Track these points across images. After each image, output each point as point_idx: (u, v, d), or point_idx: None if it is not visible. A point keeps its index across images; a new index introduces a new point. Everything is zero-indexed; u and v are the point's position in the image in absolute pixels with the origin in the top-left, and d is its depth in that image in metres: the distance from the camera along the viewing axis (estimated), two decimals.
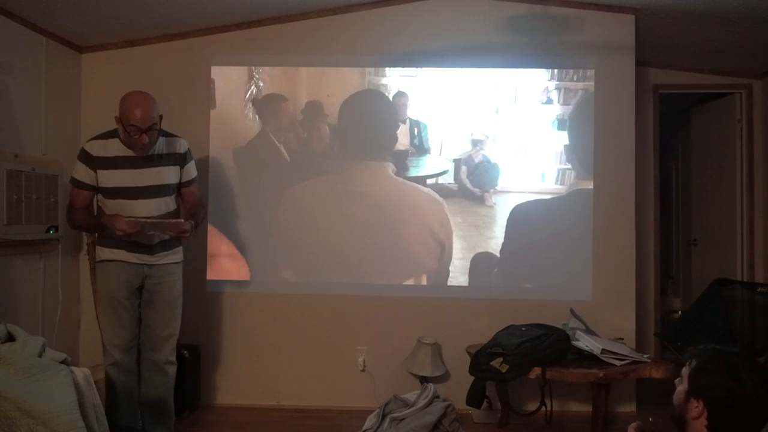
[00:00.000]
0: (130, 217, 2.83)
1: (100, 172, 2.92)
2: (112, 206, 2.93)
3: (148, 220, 2.87)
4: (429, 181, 3.99)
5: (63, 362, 2.50)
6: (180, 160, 3.08)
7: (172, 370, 3.10)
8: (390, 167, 3.98)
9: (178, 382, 3.18)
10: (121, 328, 2.98)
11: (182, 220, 2.94)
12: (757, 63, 4.54)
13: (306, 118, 4.04)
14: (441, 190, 3.98)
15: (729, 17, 3.69)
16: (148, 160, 2.96)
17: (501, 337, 3.43)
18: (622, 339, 3.70)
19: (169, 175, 3.03)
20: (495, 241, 3.97)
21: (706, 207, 5.37)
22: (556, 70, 3.96)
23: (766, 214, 4.63)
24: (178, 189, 3.11)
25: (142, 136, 2.83)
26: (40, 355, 2.50)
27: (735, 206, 4.84)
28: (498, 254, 3.96)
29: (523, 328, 3.46)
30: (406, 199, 3.98)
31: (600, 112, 3.95)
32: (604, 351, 3.32)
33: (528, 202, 3.96)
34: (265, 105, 4.06)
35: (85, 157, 2.93)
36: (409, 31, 4.00)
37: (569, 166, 3.95)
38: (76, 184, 2.95)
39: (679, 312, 6.03)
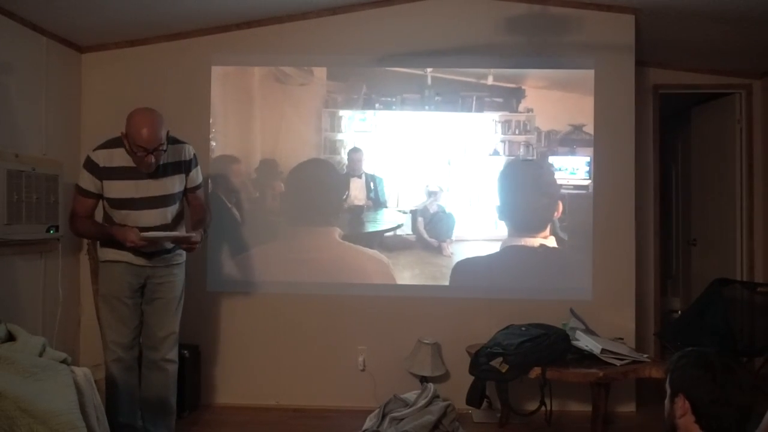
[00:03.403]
0: (140, 229, 2.84)
1: (105, 182, 2.91)
2: (116, 217, 2.95)
3: (159, 235, 2.88)
4: (387, 234, 4.02)
5: (63, 362, 2.50)
6: (186, 167, 3.07)
7: (172, 368, 3.10)
8: (337, 231, 4.01)
9: (179, 382, 3.18)
10: (122, 326, 2.99)
11: (193, 234, 2.96)
12: (757, 63, 4.54)
13: (260, 177, 4.05)
14: (399, 242, 4.01)
15: (729, 17, 3.69)
16: (152, 171, 2.95)
17: (501, 337, 3.43)
18: (622, 339, 3.70)
19: (174, 184, 3.02)
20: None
21: (706, 207, 5.37)
22: (500, 124, 4.02)
23: (766, 214, 4.63)
24: (184, 194, 3.12)
25: (149, 156, 2.81)
26: (40, 355, 2.50)
27: (735, 206, 4.84)
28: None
29: (523, 328, 3.46)
30: (352, 263, 4.01)
31: (600, 112, 3.95)
32: (603, 351, 3.32)
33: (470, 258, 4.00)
34: (216, 166, 4.05)
35: (91, 166, 2.91)
36: (409, 31, 4.00)
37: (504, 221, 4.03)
38: (81, 192, 2.94)
39: (679, 312, 6.03)
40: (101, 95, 4.00)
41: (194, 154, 3.12)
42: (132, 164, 2.90)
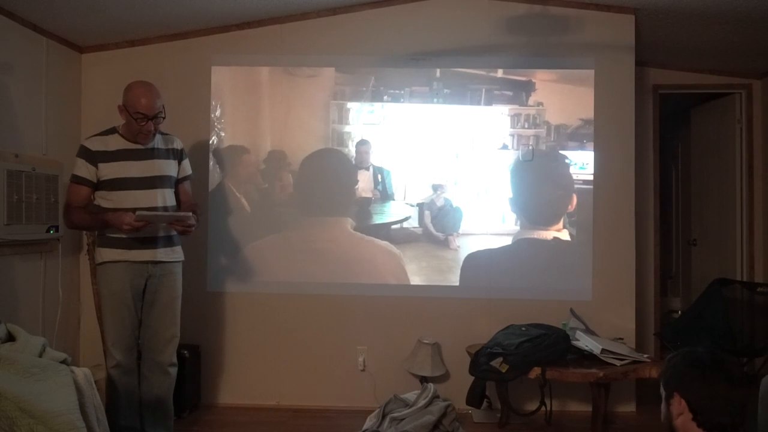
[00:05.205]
0: (137, 209, 2.83)
1: (100, 165, 2.93)
2: (114, 199, 2.93)
3: (156, 213, 2.89)
4: (394, 227, 4.01)
5: (63, 362, 2.50)
6: (178, 155, 3.14)
7: (174, 371, 3.11)
8: (349, 222, 4.00)
9: (178, 382, 3.18)
10: (123, 329, 2.97)
11: (190, 214, 2.98)
12: (757, 63, 4.54)
13: (268, 167, 4.04)
14: (406, 235, 4.00)
15: (729, 17, 3.69)
16: (148, 152, 3.00)
17: (501, 337, 3.44)
18: (622, 339, 3.70)
19: (169, 167, 3.07)
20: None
21: (706, 207, 5.37)
22: (509, 117, 4.01)
23: (766, 214, 4.63)
24: (175, 185, 3.13)
25: (148, 123, 2.88)
26: (40, 355, 2.50)
27: (735, 206, 4.84)
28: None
29: (523, 328, 3.47)
30: (363, 254, 4.00)
31: (600, 112, 3.95)
32: (603, 351, 3.32)
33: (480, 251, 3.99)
34: (226, 156, 4.06)
35: (85, 153, 2.94)
36: (409, 31, 4.00)
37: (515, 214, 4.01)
38: (76, 179, 2.95)
39: (679, 312, 6.03)
40: (101, 95, 4.00)
41: (183, 147, 3.20)
42: (127, 147, 2.95)
